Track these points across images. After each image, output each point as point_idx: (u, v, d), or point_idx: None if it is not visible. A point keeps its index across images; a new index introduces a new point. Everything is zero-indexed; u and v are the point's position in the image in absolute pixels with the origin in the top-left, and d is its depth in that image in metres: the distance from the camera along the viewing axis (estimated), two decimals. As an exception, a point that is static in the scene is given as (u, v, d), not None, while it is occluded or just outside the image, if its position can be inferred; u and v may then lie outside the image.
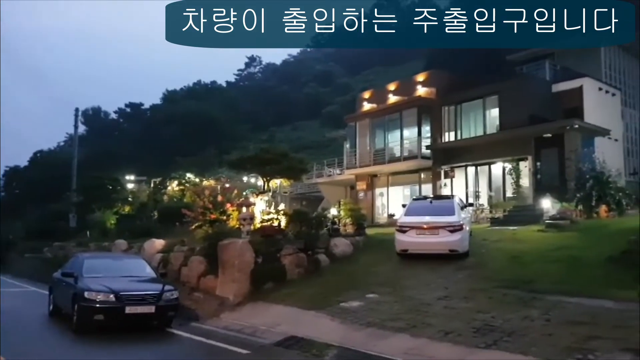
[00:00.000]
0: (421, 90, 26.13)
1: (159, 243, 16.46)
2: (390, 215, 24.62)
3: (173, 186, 28.41)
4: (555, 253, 12.11)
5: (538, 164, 20.96)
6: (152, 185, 30.45)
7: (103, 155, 60.20)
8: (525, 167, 21.44)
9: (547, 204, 18.16)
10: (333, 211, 18.89)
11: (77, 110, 39.85)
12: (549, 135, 20.43)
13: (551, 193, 18.74)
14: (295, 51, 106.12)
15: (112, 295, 9.54)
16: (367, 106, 29.27)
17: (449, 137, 24.98)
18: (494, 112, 23.38)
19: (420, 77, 26.87)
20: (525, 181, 21.37)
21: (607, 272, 10.05)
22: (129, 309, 9.51)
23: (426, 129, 25.50)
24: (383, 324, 8.52)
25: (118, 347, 8.89)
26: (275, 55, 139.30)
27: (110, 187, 29.47)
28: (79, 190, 33.09)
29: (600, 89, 23.91)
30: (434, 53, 65.73)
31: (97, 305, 9.46)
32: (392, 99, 27.64)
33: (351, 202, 20.40)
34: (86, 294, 9.58)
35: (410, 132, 25.89)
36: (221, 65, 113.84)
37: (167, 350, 9.12)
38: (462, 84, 24.98)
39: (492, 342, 7.02)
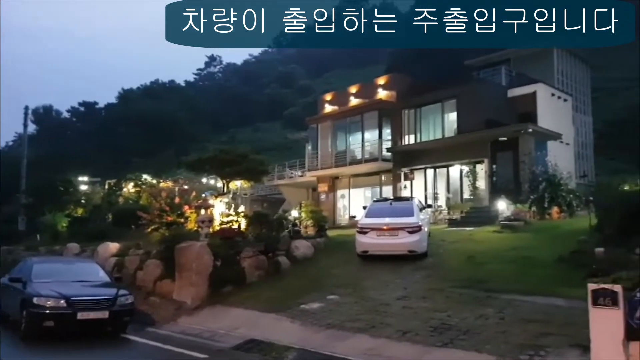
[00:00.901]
0: (382, 94, 26.46)
1: (114, 246, 15.91)
2: (352, 217, 24.75)
3: (129, 188, 27.61)
4: (510, 253, 12.49)
5: (494, 166, 21.54)
6: (106, 186, 29.48)
7: (55, 156, 57.87)
8: (481, 169, 21.99)
9: (502, 206, 18.68)
10: (294, 213, 18.82)
11: (26, 108, 37.97)
12: (505, 138, 21.02)
13: (506, 195, 19.30)
14: (256, 51, 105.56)
15: (62, 301, 9.17)
16: (328, 108, 29.38)
17: (409, 139, 25.35)
18: (452, 116, 23.88)
19: (381, 81, 27.20)
20: (481, 183, 21.92)
21: (558, 271, 10.44)
22: (80, 315, 9.16)
23: (387, 132, 25.84)
24: (343, 325, 8.55)
25: (69, 355, 8.52)
26: (236, 55, 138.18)
27: (62, 189, 28.30)
28: (28, 192, 31.66)
29: (552, 94, 24.82)
30: (395, 57, 66.95)
31: (47, 312, 9.07)
32: (354, 101, 27.86)
33: (312, 204, 20.40)
34: (35, 300, 9.17)
35: (371, 135, 26.14)
36: (180, 64, 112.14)
37: (121, 357, 8.82)
38: (422, 88, 25.46)
39: (449, 341, 7.15)
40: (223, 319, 10.30)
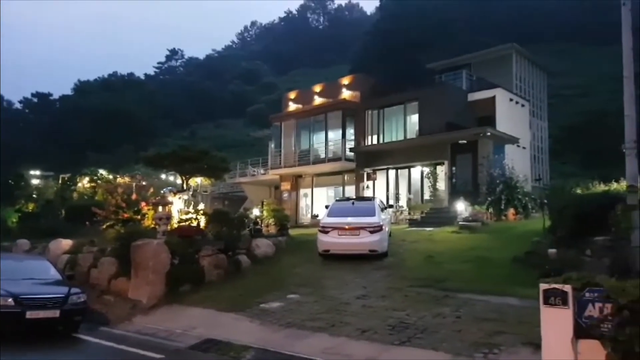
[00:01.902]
0: (346, 94, 26.59)
1: (66, 243, 15.33)
2: (314, 216, 24.80)
3: (84, 183, 26.68)
4: (467, 253, 12.79)
5: (453, 168, 22.01)
6: (60, 181, 28.40)
7: (5, 148, 55.38)
8: (442, 171, 22.44)
9: (461, 207, 19.10)
10: (256, 211, 18.67)
11: (-25, 98, 36.23)
12: (464, 141, 21.50)
13: (465, 196, 19.75)
14: (219, 46, 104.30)
15: (10, 299, 8.75)
16: (292, 106, 29.29)
17: (371, 140, 25.57)
18: (414, 118, 24.25)
19: (346, 81, 27.32)
20: (441, 185, 22.37)
21: (512, 271, 10.76)
22: (30, 314, 8.78)
23: (350, 132, 25.99)
24: (303, 324, 8.50)
25: (16, 356, 8.10)
26: (198, 50, 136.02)
27: (12, 183, 27.09)
28: (-25, 186, 30.12)
29: (511, 99, 25.58)
30: (359, 57, 67.55)
31: (-6, 311, 8.61)
32: (318, 100, 27.88)
33: (275, 203, 20.30)
34: (-19, 298, 8.68)
35: (335, 134, 26.23)
36: (140, 57, 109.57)
37: (71, 357, 8.47)
38: (385, 89, 25.76)
39: (407, 339, 7.21)
40: (180, 319, 10.06)
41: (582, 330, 4.41)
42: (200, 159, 15.40)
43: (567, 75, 51.18)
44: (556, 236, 11.60)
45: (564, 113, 45.37)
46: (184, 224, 13.55)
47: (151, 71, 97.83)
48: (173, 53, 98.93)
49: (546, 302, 4.64)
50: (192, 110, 72.41)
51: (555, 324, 4.56)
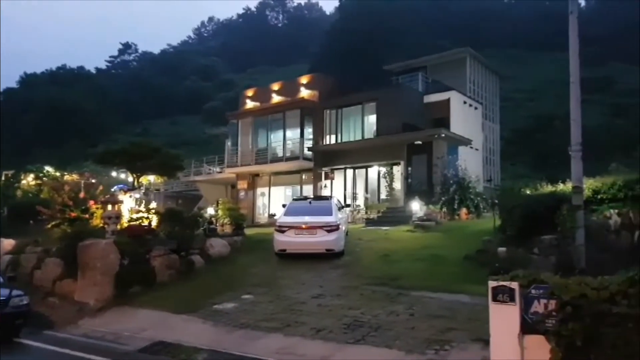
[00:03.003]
0: (304, 93, 26.53)
1: (8, 243, 14.59)
2: (271, 215, 24.60)
3: (28, 180, 25.43)
4: (421, 252, 13.01)
5: (409, 168, 22.35)
6: (3, 178, 26.96)
7: (-57, 142, 52.13)
8: (398, 171, 22.75)
9: (416, 206, 19.42)
10: (210, 210, 18.33)
11: None
12: (420, 142, 21.88)
13: (420, 196, 20.09)
14: (175, 41, 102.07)
15: (-56, 303, 8.21)
16: (250, 104, 28.97)
17: (330, 139, 25.63)
18: (372, 118, 24.49)
19: (304, 80, 27.26)
20: (398, 184, 22.68)
21: (464, 269, 11.02)
22: (-33, 318, 8.27)
23: (309, 131, 25.94)
24: (257, 325, 8.39)
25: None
26: (152, 44, 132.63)
27: (-50, 179, 25.50)
28: None
29: (465, 102, 26.23)
30: (318, 56, 67.73)
31: None
32: (276, 98, 27.69)
33: (230, 202, 19.98)
34: None
35: (293, 133, 26.12)
36: (91, 50, 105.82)
37: (11, 364, 8.03)
38: (344, 89, 25.87)
39: (361, 337, 7.24)
40: (129, 321, 9.74)
41: (528, 326, 4.53)
42: (152, 156, 14.93)
43: (518, 79, 53.15)
44: (506, 235, 11.97)
45: (515, 116, 47.09)
46: (134, 223, 13.11)
47: (102, 65, 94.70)
48: (126, 47, 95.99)
49: (495, 299, 4.74)
50: (145, 106, 70.43)
51: (503, 320, 4.66)
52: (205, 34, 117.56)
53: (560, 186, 12.86)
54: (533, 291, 4.55)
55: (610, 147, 29.78)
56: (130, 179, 17.76)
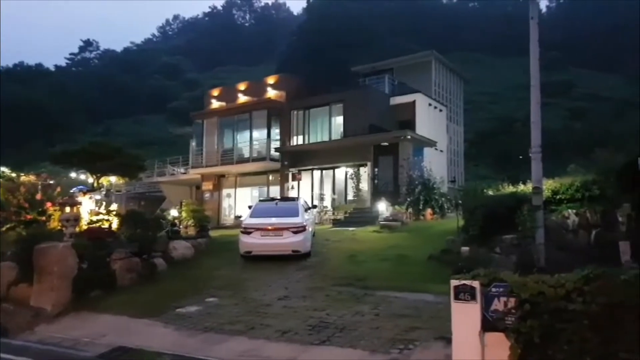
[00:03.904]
0: (271, 93, 26.39)
1: (-41, 247, 13.86)
2: (238, 217, 24.30)
3: (-19, 182, 24.25)
4: (387, 252, 13.11)
5: (376, 169, 22.52)
6: (-46, 179, 25.68)
7: None
8: (365, 172, 22.88)
9: (383, 207, 19.58)
10: (174, 212, 17.97)
11: None
12: (386, 143, 22.09)
13: (386, 197, 20.27)
14: (138, 39, 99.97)
15: None
16: (216, 104, 28.63)
17: (297, 140, 25.58)
18: (339, 120, 24.58)
19: (271, 80, 27.12)
20: (364, 185, 22.81)
21: (429, 268, 11.17)
22: None
23: (276, 132, 25.82)
24: (221, 328, 8.27)
25: None
26: (115, 42, 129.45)
27: None
28: None
29: (430, 104, 26.64)
30: (285, 57, 67.62)
31: None
32: (242, 99, 27.45)
33: (194, 203, 19.65)
34: None
35: (259, 134, 25.94)
36: (50, 47, 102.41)
37: (-42, 375, 7.64)
38: (310, 90, 25.88)
39: (326, 338, 7.22)
40: (88, 326, 9.43)
41: (488, 324, 4.60)
42: (112, 156, 14.50)
43: (481, 83, 54.42)
44: (469, 235, 12.18)
45: (478, 119, 48.23)
46: (94, 225, 12.72)
47: (62, 62, 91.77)
48: (87, 44, 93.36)
49: (456, 298, 4.79)
50: (108, 105, 68.55)
51: (465, 318, 4.72)
52: (170, 32, 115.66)
53: (521, 187, 13.19)
54: (493, 289, 4.63)
55: (569, 149, 30.81)
56: (91, 180, 17.22)
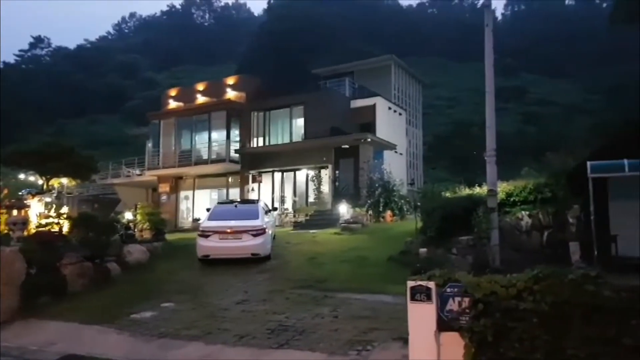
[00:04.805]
0: (231, 94, 26.11)
1: None
2: (196, 220, 23.88)
3: None
4: (347, 254, 13.18)
5: (337, 172, 22.64)
6: None
7: None
8: (326, 174, 22.97)
9: (343, 209, 19.69)
10: (128, 215, 17.46)
11: None
12: (347, 146, 22.25)
13: (347, 199, 20.40)
14: (93, 37, 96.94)
15: None
16: (173, 104, 28.09)
17: (257, 142, 25.40)
18: (300, 122, 24.58)
19: (231, 80, 26.83)
20: (325, 187, 22.90)
21: (388, 270, 11.28)
22: None
23: (235, 133, 25.54)
24: (177, 333, 8.06)
25: None
26: (67, 39, 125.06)
27: None
28: None
29: (390, 108, 27.02)
30: (246, 57, 67.08)
31: None
32: (201, 99, 27.05)
33: (150, 206, 19.18)
34: None
35: (219, 135, 25.60)
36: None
37: None
38: (271, 92, 25.79)
39: (285, 342, 7.16)
40: (37, 334, 9.01)
41: (444, 324, 4.67)
42: (64, 157, 13.92)
43: (439, 87, 55.74)
44: (427, 236, 12.41)
45: (436, 122, 49.32)
46: (43, 229, 12.19)
47: (11, 59, 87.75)
48: (38, 41, 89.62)
49: (413, 299, 4.84)
50: (60, 104, 65.89)
51: (421, 318, 4.78)
52: (126, 30, 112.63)
53: (477, 189, 13.55)
54: (448, 290, 4.70)
55: (523, 152, 31.90)
56: (41, 181, 16.51)
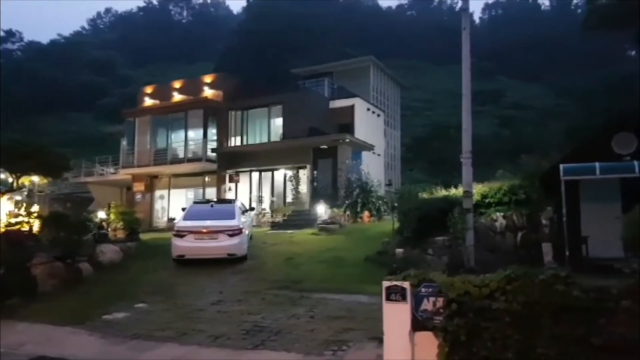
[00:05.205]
0: (208, 92, 25.86)
1: None
2: (171, 219, 23.58)
3: None
4: (324, 254, 13.19)
5: (315, 172, 22.62)
6: None
7: None
8: (304, 174, 22.92)
9: (321, 209, 19.69)
10: (101, 214, 17.13)
11: None
12: (325, 146, 22.25)
13: (325, 199, 20.41)
14: (67, 32, 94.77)
15: None
16: (149, 102, 27.69)
17: (235, 141, 25.21)
18: (278, 121, 24.48)
19: (208, 79, 26.57)
20: (303, 188, 22.85)
21: (365, 270, 11.33)
22: None
23: (212, 132, 25.31)
24: (151, 335, 7.95)
25: None
26: (40, 34, 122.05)
27: None
28: None
29: (368, 109, 27.14)
30: (224, 56, 66.53)
31: None
32: (178, 97, 26.72)
33: (124, 205, 18.88)
34: None
35: (195, 134, 25.33)
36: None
37: None
38: (249, 91, 25.61)
39: (260, 342, 7.12)
40: (6, 336, 8.74)
41: (418, 323, 4.70)
42: (35, 155, 13.53)
43: (417, 89, 56.23)
44: (403, 237, 12.51)
45: (414, 124, 49.76)
46: (12, 228, 11.86)
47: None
48: (9, 34, 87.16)
49: (388, 299, 4.86)
50: (32, 100, 64.11)
51: (396, 318, 4.80)
52: (101, 26, 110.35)
53: (453, 191, 13.72)
54: (423, 290, 4.73)
55: (498, 155, 32.38)
56: (10, 179, 16.04)
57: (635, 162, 9.89)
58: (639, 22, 31.60)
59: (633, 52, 56.29)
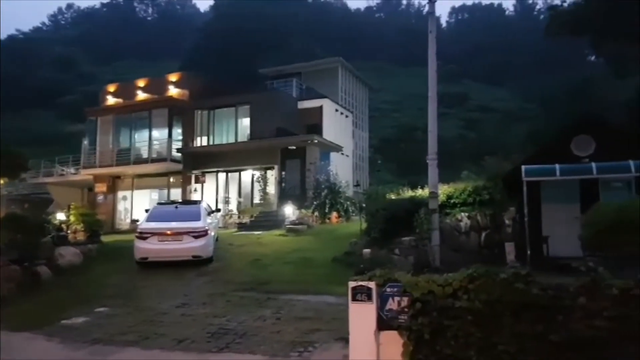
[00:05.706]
0: (173, 91, 25.41)
1: None
2: (134, 221, 23.03)
3: None
4: (291, 255, 13.15)
5: (283, 173, 22.51)
6: None
7: None
8: (272, 175, 22.78)
9: (289, 210, 19.61)
10: (61, 216, 16.57)
11: None
12: (293, 147, 22.17)
13: (293, 200, 20.33)
14: (26, 27, 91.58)
15: None
16: (112, 100, 26.99)
17: (201, 141, 24.84)
18: (246, 122, 24.25)
19: (173, 77, 26.11)
20: (271, 189, 22.69)
21: (332, 270, 11.34)
22: None
23: (178, 132, 24.88)
24: (111, 339, 7.73)
25: None
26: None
27: None
28: None
29: (337, 110, 27.20)
30: (191, 54, 65.58)
31: None
32: (142, 96, 26.13)
33: (85, 206, 18.32)
34: None
35: (160, 133, 24.85)
36: None
37: None
38: (216, 90, 25.24)
39: (225, 345, 7.03)
40: (-43, 344, 8.35)
41: (383, 323, 4.72)
42: (-12, 154, 12.98)
43: (385, 91, 56.81)
44: (371, 237, 12.60)
45: (382, 126, 50.26)
46: (-35, 230, 11.33)
47: None
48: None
49: (354, 299, 4.86)
50: (-11, 98, 61.68)
51: (361, 318, 4.81)
52: (62, 22, 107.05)
53: (419, 191, 13.90)
54: (388, 289, 4.76)
55: (463, 156, 33.07)
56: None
57: (593, 164, 10.23)
58: (595, 29, 32.84)
59: (592, 58, 58.41)
